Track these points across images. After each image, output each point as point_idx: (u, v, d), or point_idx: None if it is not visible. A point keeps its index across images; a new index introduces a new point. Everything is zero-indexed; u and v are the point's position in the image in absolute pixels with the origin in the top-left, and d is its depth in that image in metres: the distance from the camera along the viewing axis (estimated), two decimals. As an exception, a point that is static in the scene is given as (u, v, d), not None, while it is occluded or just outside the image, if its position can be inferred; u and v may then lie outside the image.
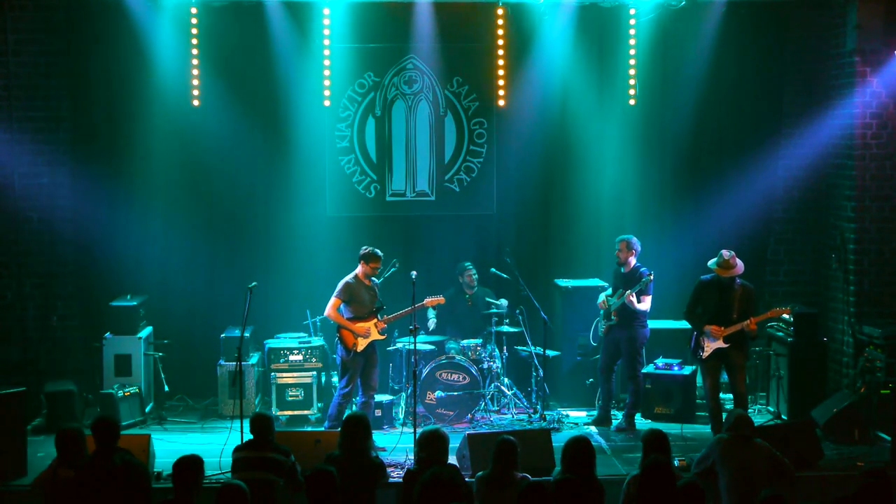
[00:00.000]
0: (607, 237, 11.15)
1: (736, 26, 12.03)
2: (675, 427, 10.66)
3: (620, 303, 10.88)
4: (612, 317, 10.94)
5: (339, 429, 8.04)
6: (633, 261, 10.95)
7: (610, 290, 11.17)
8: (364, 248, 10.55)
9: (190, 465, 7.07)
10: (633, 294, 10.76)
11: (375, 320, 10.52)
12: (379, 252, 10.50)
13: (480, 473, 7.45)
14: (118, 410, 10.85)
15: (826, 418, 10.50)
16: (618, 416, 11.18)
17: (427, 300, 10.75)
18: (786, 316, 11.02)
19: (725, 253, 10.30)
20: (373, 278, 10.61)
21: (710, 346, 10.25)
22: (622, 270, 11.01)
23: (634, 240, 11.00)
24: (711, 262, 10.37)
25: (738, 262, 10.29)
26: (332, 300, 10.49)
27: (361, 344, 10.43)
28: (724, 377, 10.50)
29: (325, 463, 7.34)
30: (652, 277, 10.77)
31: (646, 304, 10.87)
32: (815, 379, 11.21)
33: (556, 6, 11.90)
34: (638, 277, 10.83)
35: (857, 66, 11.43)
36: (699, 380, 11.64)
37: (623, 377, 11.19)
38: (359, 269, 10.53)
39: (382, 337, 10.62)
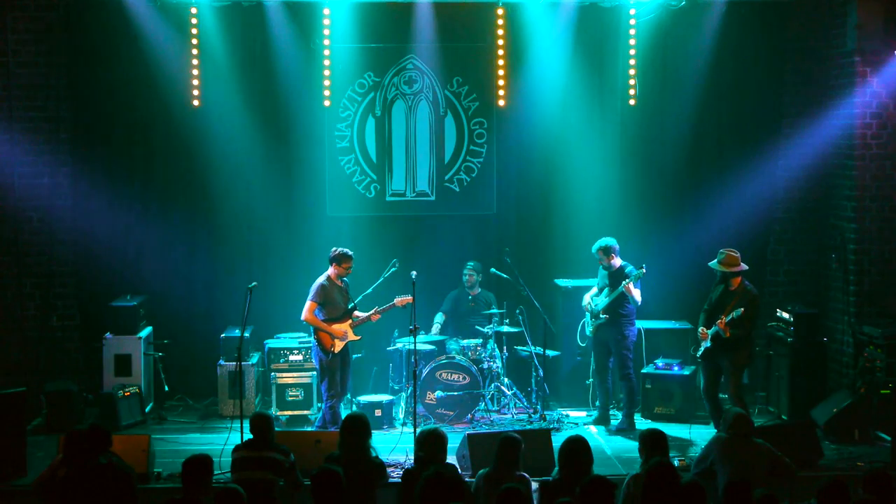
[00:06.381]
0: (608, 237, 11.15)
1: (736, 26, 12.03)
2: (675, 427, 10.67)
3: (610, 299, 10.87)
4: (601, 315, 10.94)
5: (339, 429, 8.04)
6: (617, 261, 10.96)
7: (596, 291, 11.17)
8: (334, 249, 10.57)
9: (199, 464, 7.09)
10: (630, 283, 10.75)
11: (350, 321, 10.54)
12: (349, 252, 10.52)
13: (482, 471, 7.45)
14: (118, 410, 10.87)
15: (826, 418, 10.51)
16: (618, 416, 11.18)
17: (397, 300, 10.70)
18: (716, 329, 10.27)
19: (724, 250, 10.28)
20: (344, 279, 10.61)
21: (701, 346, 10.29)
22: (608, 271, 11.02)
23: (610, 243, 10.99)
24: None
25: (737, 260, 10.20)
26: (308, 304, 10.49)
27: (339, 346, 10.45)
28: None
29: (325, 463, 7.34)
30: (644, 271, 10.75)
31: (638, 295, 10.85)
32: (815, 379, 11.21)
33: (555, 6, 11.90)
34: (626, 274, 10.83)
35: (857, 66, 11.42)
36: (699, 380, 11.67)
37: (616, 377, 11.17)
38: (331, 271, 10.55)
39: (358, 337, 10.63)
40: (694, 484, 6.73)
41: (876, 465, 9.57)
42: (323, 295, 10.47)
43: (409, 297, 10.38)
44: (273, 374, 11.41)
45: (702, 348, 10.31)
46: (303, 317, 10.54)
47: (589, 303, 11.15)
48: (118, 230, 11.95)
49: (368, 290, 10.85)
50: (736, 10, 11.94)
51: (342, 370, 10.54)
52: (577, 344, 11.74)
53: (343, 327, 10.49)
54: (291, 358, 11.44)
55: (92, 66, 11.75)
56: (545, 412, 11.04)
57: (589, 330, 11.22)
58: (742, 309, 9.94)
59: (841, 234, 11.74)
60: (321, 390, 10.62)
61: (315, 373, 11.33)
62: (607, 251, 10.96)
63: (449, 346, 11.62)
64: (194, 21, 11.66)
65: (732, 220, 12.20)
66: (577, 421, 11.24)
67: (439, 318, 11.90)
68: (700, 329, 10.32)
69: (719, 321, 10.04)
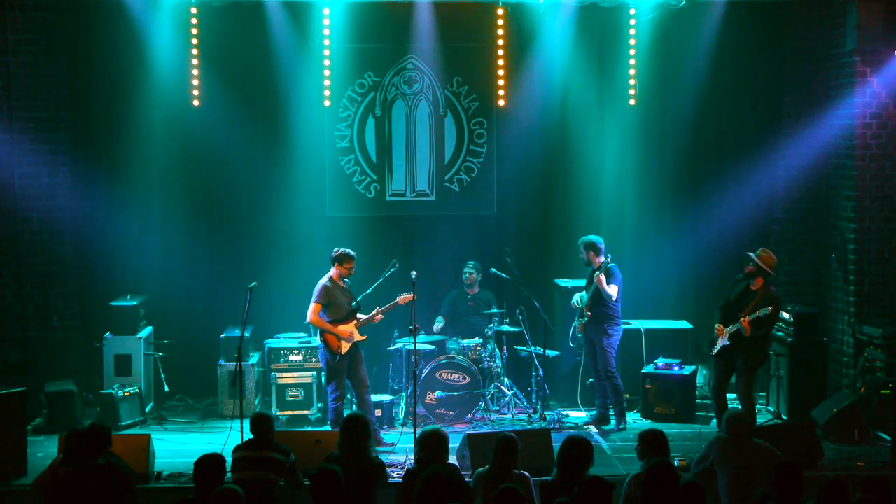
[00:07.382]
0: (607, 237, 11.15)
1: (736, 26, 12.03)
2: (675, 427, 10.67)
3: (589, 296, 10.87)
4: (586, 312, 10.94)
5: (339, 429, 8.04)
6: (600, 259, 10.93)
7: (584, 291, 11.17)
8: (336, 249, 10.51)
9: (211, 464, 7.09)
10: (602, 275, 10.72)
11: (354, 321, 10.51)
12: (351, 252, 10.47)
13: (480, 470, 7.46)
14: (118, 410, 10.87)
15: (826, 418, 10.50)
16: (618, 417, 11.19)
17: (399, 298, 10.64)
18: (737, 327, 10.17)
19: (764, 249, 10.24)
20: (346, 279, 10.59)
21: (718, 344, 10.21)
22: (589, 269, 11.02)
23: (596, 240, 10.97)
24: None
25: (772, 263, 10.14)
26: (312, 305, 10.42)
27: (345, 347, 10.40)
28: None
29: (325, 463, 7.34)
30: (610, 259, 10.73)
31: (612, 290, 10.81)
32: (815, 379, 11.20)
33: (556, 6, 11.90)
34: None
35: (857, 66, 11.41)
36: (699, 379, 11.69)
37: (601, 377, 11.11)
38: (333, 271, 10.49)
39: (363, 338, 10.56)
40: (694, 484, 6.73)
41: (876, 465, 9.59)
42: (326, 296, 10.44)
43: (411, 295, 10.36)
44: (273, 374, 11.42)
45: (718, 345, 10.17)
46: (308, 319, 10.51)
47: (577, 301, 11.15)
48: (118, 230, 11.94)
49: (369, 291, 10.82)
50: (736, 11, 11.93)
51: (355, 370, 10.47)
52: (576, 344, 11.73)
53: (348, 328, 10.46)
54: (291, 358, 11.44)
55: (92, 66, 11.76)
56: (545, 412, 11.04)
57: (577, 329, 11.22)
58: (770, 308, 9.85)
59: (841, 234, 11.74)
60: (326, 391, 10.60)
61: (315, 372, 11.35)
62: (589, 247, 10.92)
63: (449, 346, 11.61)
64: (194, 21, 11.67)
65: (732, 220, 12.20)
66: (577, 421, 11.24)
67: (439, 320, 11.89)
68: (717, 325, 10.19)
69: (742, 319, 9.93)
